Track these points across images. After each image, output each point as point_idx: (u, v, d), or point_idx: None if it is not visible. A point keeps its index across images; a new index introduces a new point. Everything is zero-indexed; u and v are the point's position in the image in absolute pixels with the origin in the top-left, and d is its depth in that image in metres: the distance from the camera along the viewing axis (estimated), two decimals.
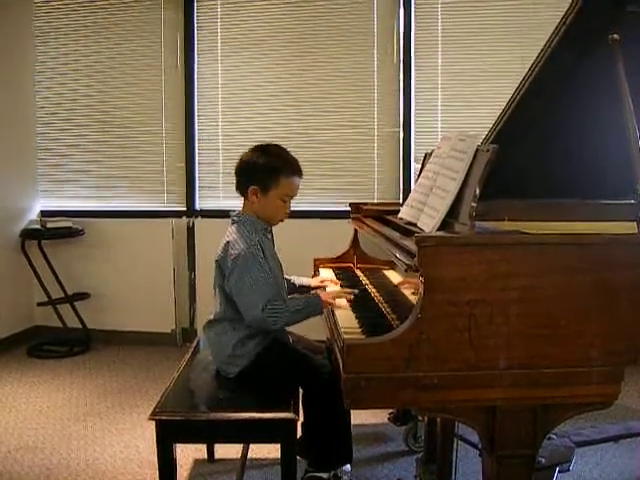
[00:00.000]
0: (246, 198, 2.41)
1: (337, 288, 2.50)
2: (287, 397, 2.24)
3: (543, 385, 1.63)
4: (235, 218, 2.42)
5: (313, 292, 2.40)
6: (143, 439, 3.22)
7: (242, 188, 2.42)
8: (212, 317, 2.46)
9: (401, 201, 4.18)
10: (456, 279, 1.59)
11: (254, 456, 2.98)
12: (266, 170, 2.35)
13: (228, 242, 2.34)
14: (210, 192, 5.02)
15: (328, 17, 4.76)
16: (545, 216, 2.11)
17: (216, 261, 2.38)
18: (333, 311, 2.18)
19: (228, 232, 2.39)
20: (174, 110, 5.00)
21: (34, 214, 5.13)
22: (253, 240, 2.31)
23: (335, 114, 4.80)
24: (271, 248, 2.45)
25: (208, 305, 2.59)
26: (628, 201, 2.19)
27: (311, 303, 2.28)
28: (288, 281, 2.62)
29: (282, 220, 2.46)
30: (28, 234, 4.85)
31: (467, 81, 4.60)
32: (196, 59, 4.95)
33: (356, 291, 2.33)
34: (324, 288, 2.56)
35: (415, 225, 2.10)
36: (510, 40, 4.52)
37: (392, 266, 2.26)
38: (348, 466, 2.53)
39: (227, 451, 3.03)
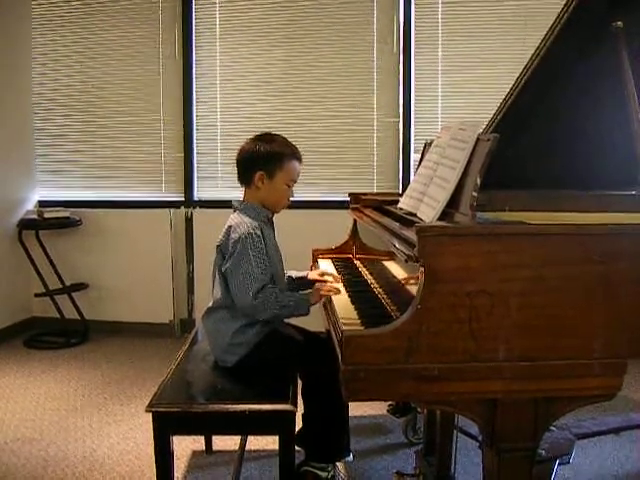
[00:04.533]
0: (250, 186, 2.42)
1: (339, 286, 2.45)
2: (285, 388, 2.23)
3: (545, 377, 1.60)
4: (237, 205, 2.43)
5: (308, 291, 2.38)
6: (141, 430, 3.21)
7: (246, 176, 2.43)
8: (211, 305, 2.45)
9: (400, 191, 4.15)
10: (457, 270, 1.57)
11: (252, 447, 2.97)
12: (270, 156, 2.38)
13: (230, 226, 2.35)
14: (209, 182, 5.00)
15: (328, 7, 4.73)
16: (547, 207, 2.09)
17: (217, 246, 2.38)
18: (332, 302, 2.15)
19: (230, 218, 2.41)
20: (172, 100, 4.97)
21: (31, 204, 5.11)
22: (255, 226, 2.32)
23: (334, 104, 4.77)
24: (272, 237, 2.46)
25: (206, 296, 2.57)
26: (631, 192, 2.18)
27: (300, 303, 2.28)
28: (287, 277, 2.61)
29: (284, 207, 2.48)
30: (25, 224, 4.83)
31: (467, 70, 4.58)
32: (194, 48, 4.92)
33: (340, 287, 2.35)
34: (324, 281, 2.53)
35: (415, 215, 2.08)
36: (511, 29, 4.50)
37: (392, 257, 2.23)
38: (351, 456, 2.52)
39: (225, 443, 3.03)
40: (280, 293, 2.29)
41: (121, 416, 3.42)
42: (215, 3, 4.86)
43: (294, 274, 2.65)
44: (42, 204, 5.11)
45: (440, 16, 4.62)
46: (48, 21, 5.06)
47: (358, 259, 2.91)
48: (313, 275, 2.60)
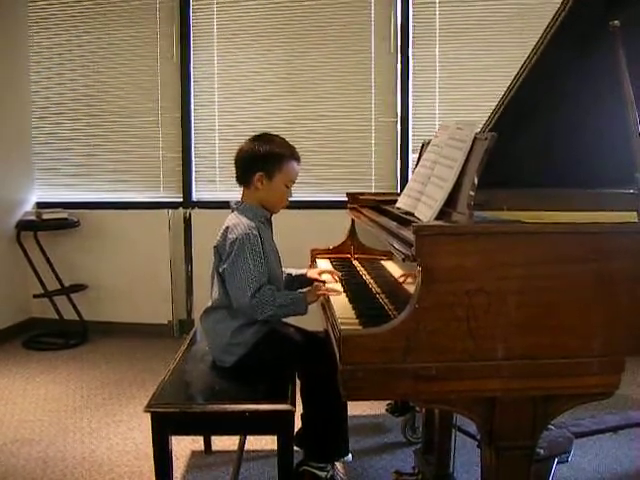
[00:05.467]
0: (249, 186, 2.43)
1: (337, 286, 2.46)
2: (284, 388, 2.23)
3: (543, 376, 1.61)
4: (235, 206, 2.44)
5: (305, 290, 2.38)
6: (140, 431, 3.21)
7: (245, 177, 2.43)
8: (209, 305, 2.46)
9: (398, 191, 4.15)
10: (454, 269, 1.57)
11: (251, 447, 2.97)
12: (269, 156, 2.39)
13: (227, 227, 2.35)
14: (207, 183, 5.00)
15: (325, 7, 4.73)
16: (544, 205, 2.09)
17: (215, 247, 2.38)
18: (330, 302, 2.16)
19: (228, 218, 2.41)
20: (170, 101, 4.97)
21: (30, 205, 5.10)
22: (252, 226, 2.32)
23: (332, 104, 4.78)
24: (269, 237, 2.46)
25: (205, 296, 2.57)
26: (628, 190, 2.18)
27: (298, 302, 2.29)
28: (286, 274, 2.61)
29: (283, 207, 2.49)
30: (24, 225, 4.83)
31: (465, 70, 4.58)
32: (192, 49, 4.91)
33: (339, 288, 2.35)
34: (323, 281, 2.53)
35: (413, 215, 2.08)
36: (509, 29, 4.50)
37: (390, 256, 2.24)
38: (350, 456, 2.52)
39: (224, 443, 3.03)
40: (278, 292, 2.30)
41: (120, 417, 3.42)
42: (213, 4, 4.85)
43: (293, 272, 2.66)
44: (40, 205, 5.10)
45: (437, 15, 4.62)
46: (46, 23, 5.05)
47: (356, 259, 2.91)
48: (312, 273, 2.60)
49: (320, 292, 2.28)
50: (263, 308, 2.25)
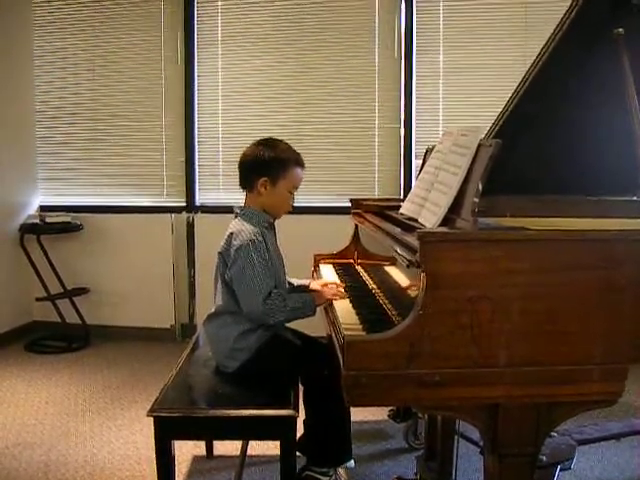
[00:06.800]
0: (252, 192, 2.42)
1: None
2: (287, 394, 2.23)
3: (546, 383, 1.61)
4: (239, 211, 2.43)
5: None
6: (142, 435, 3.21)
7: (249, 182, 2.42)
8: (213, 310, 2.45)
9: (402, 197, 4.15)
10: (458, 275, 1.57)
11: (253, 453, 2.96)
12: (274, 162, 2.37)
13: (232, 233, 2.34)
14: (210, 187, 5.00)
15: (329, 12, 4.74)
16: (548, 212, 2.09)
17: (219, 253, 2.37)
18: (333, 307, 2.16)
19: (232, 224, 2.40)
20: (174, 105, 4.98)
21: (33, 209, 5.11)
22: (257, 232, 2.31)
23: (336, 110, 4.78)
24: (274, 242, 2.45)
25: (208, 301, 2.57)
26: (631, 198, 2.18)
27: (306, 303, 2.29)
28: (288, 283, 2.61)
29: (286, 212, 2.48)
30: (27, 229, 4.84)
31: (469, 77, 4.58)
32: (196, 54, 4.92)
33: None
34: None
35: (416, 221, 2.08)
36: (513, 36, 4.50)
37: (393, 262, 2.24)
38: (352, 462, 2.52)
39: (226, 447, 3.02)
40: (287, 296, 2.30)
41: (122, 421, 3.42)
42: (217, 7, 4.87)
43: (295, 282, 2.65)
44: (44, 209, 5.10)
45: (441, 21, 4.63)
46: (50, 28, 5.06)
47: (359, 264, 2.91)
48: (315, 286, 2.58)
49: (329, 297, 2.28)
50: (275, 313, 2.24)
